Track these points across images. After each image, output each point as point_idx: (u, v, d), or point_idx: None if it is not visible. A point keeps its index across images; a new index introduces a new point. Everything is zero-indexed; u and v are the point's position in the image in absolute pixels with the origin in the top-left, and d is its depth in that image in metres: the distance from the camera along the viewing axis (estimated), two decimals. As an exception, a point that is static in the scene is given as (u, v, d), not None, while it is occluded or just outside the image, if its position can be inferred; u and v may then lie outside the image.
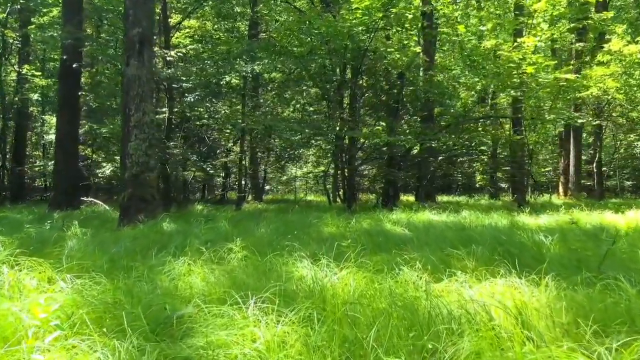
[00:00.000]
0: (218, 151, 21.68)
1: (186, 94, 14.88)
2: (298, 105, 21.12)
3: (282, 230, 7.58)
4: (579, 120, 12.53)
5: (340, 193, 22.52)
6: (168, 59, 14.13)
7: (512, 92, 11.93)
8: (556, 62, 13.40)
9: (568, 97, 13.06)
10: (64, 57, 14.31)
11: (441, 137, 15.23)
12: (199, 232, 6.52)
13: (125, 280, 3.59)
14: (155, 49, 15.92)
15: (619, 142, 25.80)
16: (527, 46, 11.39)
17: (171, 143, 15.88)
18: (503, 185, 28.49)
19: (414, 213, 10.33)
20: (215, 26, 21.60)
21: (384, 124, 15.11)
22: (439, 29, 16.16)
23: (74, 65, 13.91)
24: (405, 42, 15.49)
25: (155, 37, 19.35)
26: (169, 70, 14.18)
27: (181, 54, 14.34)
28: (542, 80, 11.86)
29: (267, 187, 28.97)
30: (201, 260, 4.61)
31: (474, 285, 3.78)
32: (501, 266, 4.54)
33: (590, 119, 13.59)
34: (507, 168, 15.42)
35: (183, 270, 4.03)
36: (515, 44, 11.68)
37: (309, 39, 15.42)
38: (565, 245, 6.12)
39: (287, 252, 5.17)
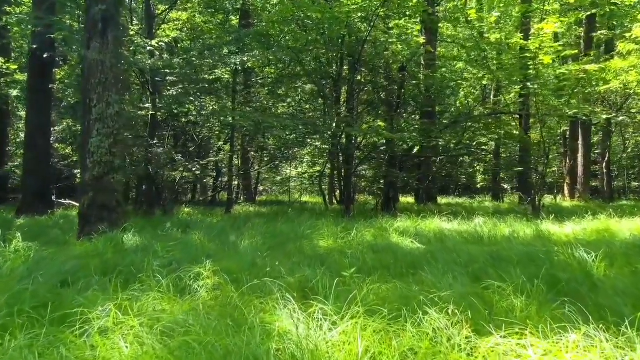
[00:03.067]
0: (211, 151, 20.45)
1: (168, 87, 13.61)
2: (294, 103, 19.91)
3: (270, 244, 6.36)
4: (603, 116, 11.41)
5: (337, 194, 21.34)
6: (149, 48, 12.85)
7: (528, 84, 10.75)
8: (577, 52, 12.25)
9: (586, 92, 11.92)
10: (34, 46, 13.03)
11: (445, 135, 14.03)
12: (165, 249, 5.29)
13: (9, 344, 2.37)
14: (138, 40, 14.73)
15: (627, 142, 24.68)
16: (545, 33, 10.22)
17: (155, 141, 14.57)
18: (505, 186, 27.34)
19: (420, 220, 9.12)
20: (206, 18, 20.33)
21: (382, 122, 13.89)
22: (442, 17, 14.94)
23: (44, 55, 12.64)
24: (408, 32, 14.27)
25: (137, 25, 18.10)
26: (150, 61, 12.90)
27: (163, 44, 13.05)
28: (561, 72, 10.69)
29: (261, 188, 27.75)
30: (151, 295, 3.38)
31: (538, 344, 2.58)
32: (559, 303, 3.35)
33: (614, 114, 12.44)
34: (519, 169, 14.23)
35: (109, 323, 2.79)
36: (532, 31, 10.51)
37: (304, 32, 14.18)
38: (619, 267, 4.93)
39: (270, 281, 3.94)
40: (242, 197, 21.77)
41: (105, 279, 4.22)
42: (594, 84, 12.39)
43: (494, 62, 11.93)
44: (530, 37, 10.68)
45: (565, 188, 22.47)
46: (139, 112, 15.54)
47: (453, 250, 5.61)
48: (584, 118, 11.84)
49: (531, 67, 10.83)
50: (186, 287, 4.13)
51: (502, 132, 13.51)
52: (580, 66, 10.90)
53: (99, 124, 7.03)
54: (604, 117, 11.48)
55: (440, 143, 13.77)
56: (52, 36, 11.56)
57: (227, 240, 6.58)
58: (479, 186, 29.27)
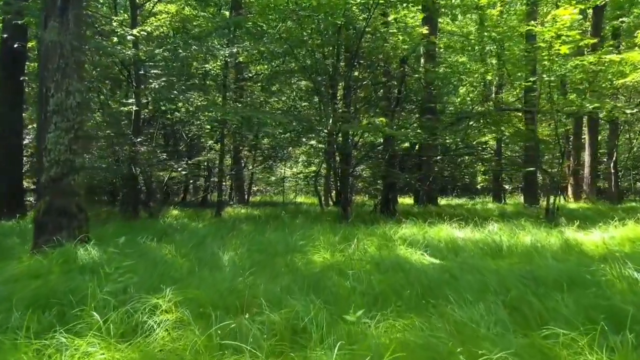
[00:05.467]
0: (203, 151, 19.42)
1: (150, 80, 12.57)
2: (289, 101, 18.92)
3: (256, 258, 5.37)
4: (627, 112, 10.49)
5: (333, 195, 20.34)
6: (129, 37, 11.82)
7: (544, 76, 9.80)
8: (596, 40, 11.32)
9: (603, 85, 11.01)
10: (4, 35, 11.97)
11: (450, 133, 13.07)
12: (124, 268, 4.30)
13: None
14: (119, 31, 13.68)
15: (634, 140, 23.79)
16: (562, 20, 9.29)
17: (139, 139, 13.50)
18: (506, 186, 26.38)
19: (427, 226, 8.14)
20: (196, 11, 19.27)
21: (382, 119, 12.89)
22: (445, 4, 13.96)
23: (15, 45, 11.61)
24: (409, 22, 13.34)
25: (121, 15, 17.04)
26: (130, 52, 11.87)
27: (145, 33, 12.01)
28: (579, 63, 9.76)
29: (255, 188, 26.79)
30: (86, 341, 2.40)
31: None
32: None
33: (637, 110, 11.52)
34: (531, 169, 13.28)
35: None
36: (548, 17, 9.58)
37: (299, 25, 13.18)
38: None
39: (248, 320, 2.97)
40: (234, 199, 20.76)
41: (33, 313, 3.22)
42: (609, 77, 11.44)
43: (505, 52, 10.95)
44: (545, 25, 9.72)
45: (569, 189, 21.60)
46: (122, 108, 14.52)
47: (474, 268, 4.64)
48: (605, 114, 10.91)
49: (546, 58, 9.89)
50: (138, 325, 3.15)
51: (512, 129, 12.53)
52: (599, 57, 9.95)
53: (57, 117, 6.01)
54: (628, 112, 10.55)
55: (447, 141, 12.78)
56: (20, 22, 10.50)
57: (206, 254, 5.59)
58: (479, 187, 28.36)
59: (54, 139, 6.01)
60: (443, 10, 16.02)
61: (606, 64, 10.14)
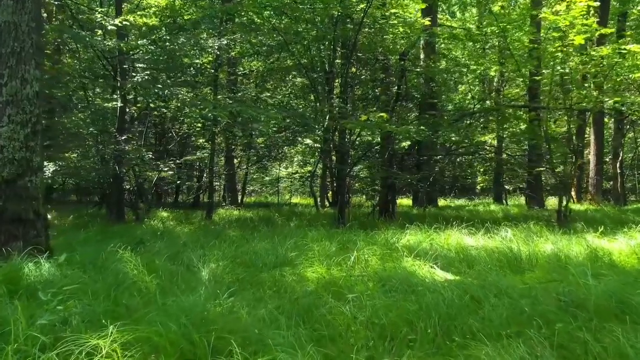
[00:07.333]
0: (196, 151, 18.62)
1: (133, 74, 11.73)
2: (284, 99, 18.14)
3: (240, 275, 4.58)
4: (649, 107, 9.81)
5: (329, 195, 19.57)
6: (109, 27, 10.99)
7: (559, 68, 9.06)
8: (614, 30, 10.61)
9: (618, 80, 10.29)
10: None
11: (454, 130, 12.32)
12: (67, 291, 3.49)
13: None
14: (101, 21, 12.83)
15: (639, 139, 23.09)
16: (578, 7, 8.56)
17: (124, 137, 12.66)
18: (506, 187, 25.61)
19: (433, 232, 7.37)
20: (187, 5, 18.43)
21: (383, 114, 12.10)
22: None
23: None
24: (410, 14, 12.61)
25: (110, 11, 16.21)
26: (110, 42, 11.05)
27: (128, 22, 11.18)
28: (595, 54, 9.03)
29: (250, 188, 25.99)
30: None
31: None
32: None
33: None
34: (542, 169, 12.55)
35: None
36: (562, 5, 8.83)
37: (292, 19, 12.41)
38: None
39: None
40: (227, 200, 19.94)
41: None
42: (625, 71, 10.69)
43: (515, 43, 10.20)
44: (560, 13, 8.97)
45: (572, 189, 20.84)
46: (106, 105, 13.71)
47: (498, 288, 3.87)
48: (623, 109, 10.19)
49: (559, 49, 9.14)
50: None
51: (520, 126, 11.79)
52: (617, 47, 9.20)
53: (10, 109, 5.21)
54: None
55: (452, 138, 12.02)
56: None
57: (181, 267, 4.80)
58: (479, 187, 27.62)
59: (8, 134, 5.21)
60: (443, 2, 15.31)
61: (621, 57, 9.41)
